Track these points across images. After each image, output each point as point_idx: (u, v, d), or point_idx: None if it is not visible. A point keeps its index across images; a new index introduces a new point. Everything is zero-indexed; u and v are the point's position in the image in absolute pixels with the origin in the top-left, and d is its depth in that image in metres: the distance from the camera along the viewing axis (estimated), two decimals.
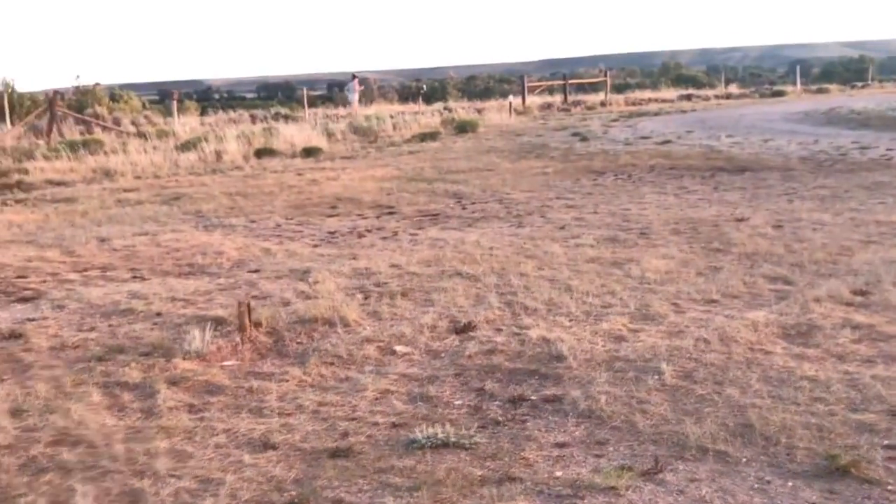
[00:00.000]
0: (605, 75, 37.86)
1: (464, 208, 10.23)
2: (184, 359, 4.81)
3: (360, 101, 32.01)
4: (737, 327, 4.91)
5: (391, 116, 25.55)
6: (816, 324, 4.97)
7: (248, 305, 5.19)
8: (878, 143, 14.84)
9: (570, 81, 37.26)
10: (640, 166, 13.43)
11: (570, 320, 5.26)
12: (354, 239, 8.50)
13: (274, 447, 3.69)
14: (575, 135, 19.22)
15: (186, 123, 25.34)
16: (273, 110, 30.37)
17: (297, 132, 20.01)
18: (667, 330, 4.99)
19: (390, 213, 10.04)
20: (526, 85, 34.59)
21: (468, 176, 13.07)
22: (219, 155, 16.81)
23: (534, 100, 34.41)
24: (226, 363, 4.78)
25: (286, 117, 27.88)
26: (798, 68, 45.53)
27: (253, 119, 28.11)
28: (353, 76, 32.69)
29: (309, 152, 17.15)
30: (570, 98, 34.65)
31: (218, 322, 5.36)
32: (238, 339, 5.08)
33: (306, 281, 6.52)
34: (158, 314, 5.80)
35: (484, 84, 64.94)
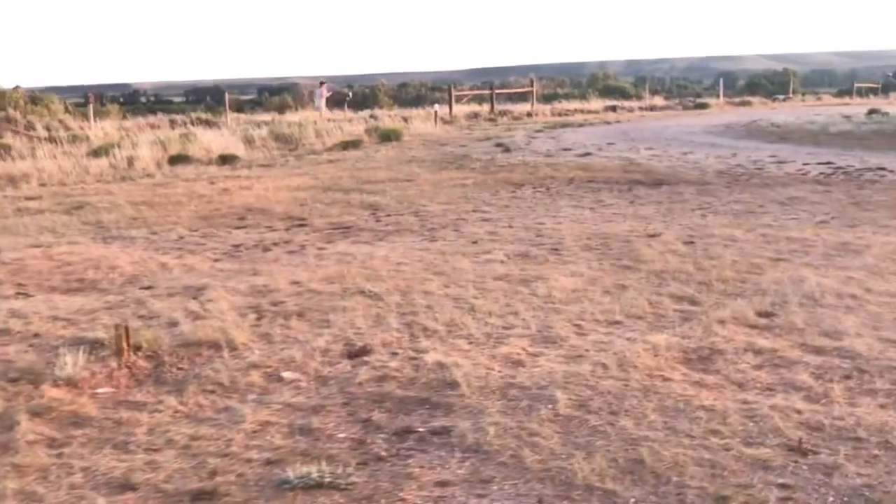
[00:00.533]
0: (532, 85, 37.93)
1: (377, 221, 9.99)
2: (53, 386, 4.48)
3: (327, 106, 31.41)
4: (637, 351, 4.76)
5: (315, 123, 25.19)
6: (718, 348, 4.84)
7: (126, 328, 4.87)
8: (796, 157, 15.01)
9: (498, 91, 37.24)
10: (560, 179, 13.35)
11: (470, 343, 5.06)
12: (259, 253, 8.19)
13: (133, 488, 3.40)
14: (498, 145, 19.13)
15: (104, 128, 24.62)
16: (194, 115, 29.75)
17: (215, 138, 19.55)
18: (566, 354, 4.81)
19: (301, 226, 9.75)
20: (453, 94, 34.45)
21: (386, 186, 12.84)
22: (131, 161, 16.30)
23: (461, 109, 34.33)
24: (98, 391, 4.46)
25: (207, 123, 27.31)
26: (721, 81, 46.36)
27: (173, 124, 27.49)
28: (321, 83, 32.28)
29: (225, 160, 16.75)
30: (498, 108, 34.64)
31: (96, 345, 5.03)
32: (114, 364, 4.76)
33: (199, 299, 6.21)
34: (36, 335, 5.44)
35: (415, 92, 64.87)
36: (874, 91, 45.52)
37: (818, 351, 4.74)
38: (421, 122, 26.98)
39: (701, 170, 13.75)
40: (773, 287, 6.22)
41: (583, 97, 44.51)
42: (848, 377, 4.36)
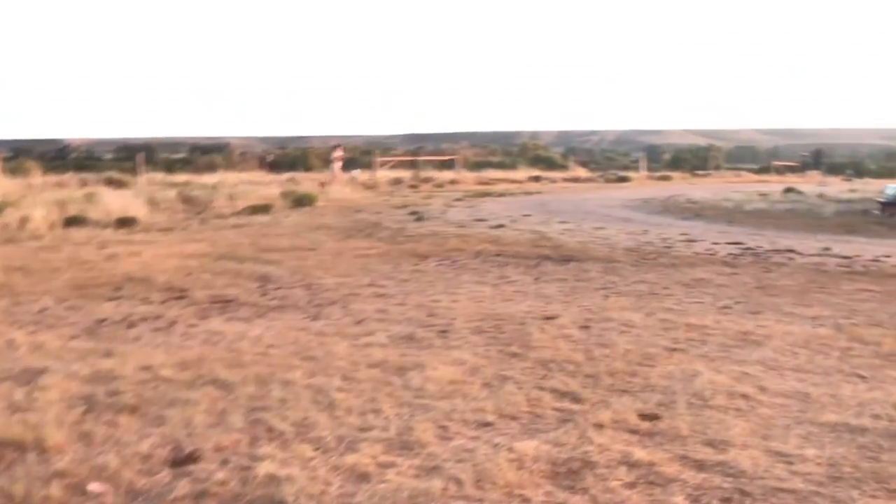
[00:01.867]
0: (457, 153, 37.86)
1: (263, 294, 9.38)
2: None
3: (343, 168, 31.01)
4: (500, 463, 4.23)
5: (231, 185, 24.59)
6: (591, 459, 4.33)
7: None
8: (707, 236, 14.83)
9: (423, 157, 37.08)
10: (467, 251, 12.92)
11: (316, 449, 4.47)
12: (122, 330, 7.52)
13: None
14: (413, 214, 18.73)
15: (3, 186, 23.62)
16: (105, 174, 28.87)
17: (119, 200, 18.81)
18: (421, 465, 4.26)
19: (180, 298, 9.09)
20: (377, 159, 34.18)
21: (285, 256, 12.26)
22: (23, 222, 15.48)
23: (386, 174, 34.04)
24: None
25: (119, 182, 26.45)
26: (643, 155, 46.92)
27: (83, 183, 26.58)
28: (336, 146, 32.11)
29: (124, 222, 16.03)
30: (423, 174, 34.44)
31: None
32: None
33: (30, 386, 5.53)
34: None
35: (349, 154, 64.59)
36: (792, 169, 46.48)
37: (699, 466, 4.26)
38: (340, 187, 26.51)
39: (611, 246, 13.45)
40: (662, 383, 5.77)
41: (512, 166, 44.69)
42: (727, 500, 3.88)
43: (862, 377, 5.98)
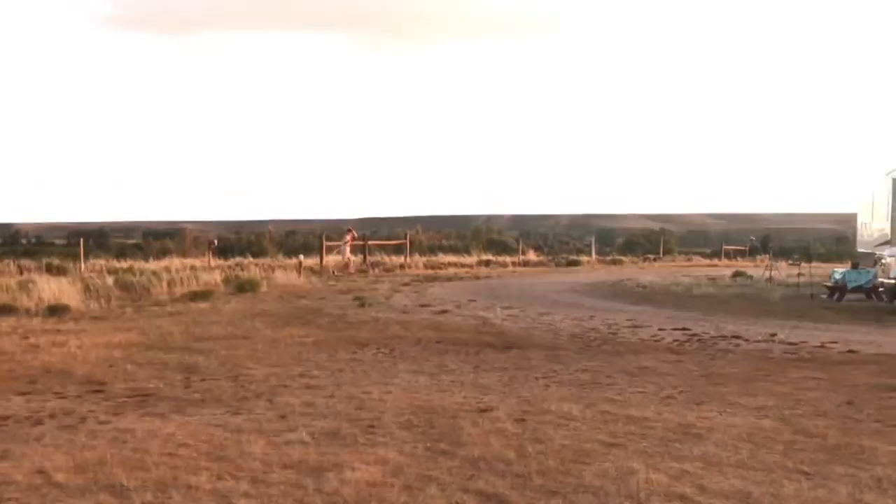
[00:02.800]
0: (407, 237, 37.66)
1: (187, 387, 8.90)
2: None
3: (351, 251, 31.39)
4: None
5: (175, 271, 24.05)
6: None
7: None
8: (653, 321, 14.59)
9: (373, 242, 36.82)
10: (407, 339, 12.54)
11: None
12: (26, 428, 7.00)
13: None
14: (356, 299, 18.35)
15: None
16: (45, 260, 28.20)
17: (54, 287, 18.18)
18: None
19: (97, 392, 8.58)
20: (325, 244, 33.82)
21: (218, 345, 11.78)
22: None
23: (335, 259, 33.64)
24: None
25: (58, 269, 25.79)
26: (594, 239, 47.17)
27: (21, 270, 25.88)
28: (349, 229, 32.41)
29: (55, 311, 15.43)
30: (372, 259, 34.11)
31: None
32: None
33: None
34: None
35: (303, 239, 64.21)
36: (742, 253, 46.92)
37: None
38: (285, 273, 26.07)
39: (555, 333, 13.14)
40: (596, 483, 5.39)
41: (465, 250, 44.59)
42: None
43: (806, 474, 5.67)
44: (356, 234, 33.73)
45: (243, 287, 20.37)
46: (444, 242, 58.43)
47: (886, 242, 19.51)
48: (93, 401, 8.15)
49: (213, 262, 32.23)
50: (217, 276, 22.69)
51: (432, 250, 45.50)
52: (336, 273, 28.90)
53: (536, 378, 9.47)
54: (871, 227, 21.60)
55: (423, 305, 17.07)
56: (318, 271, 28.63)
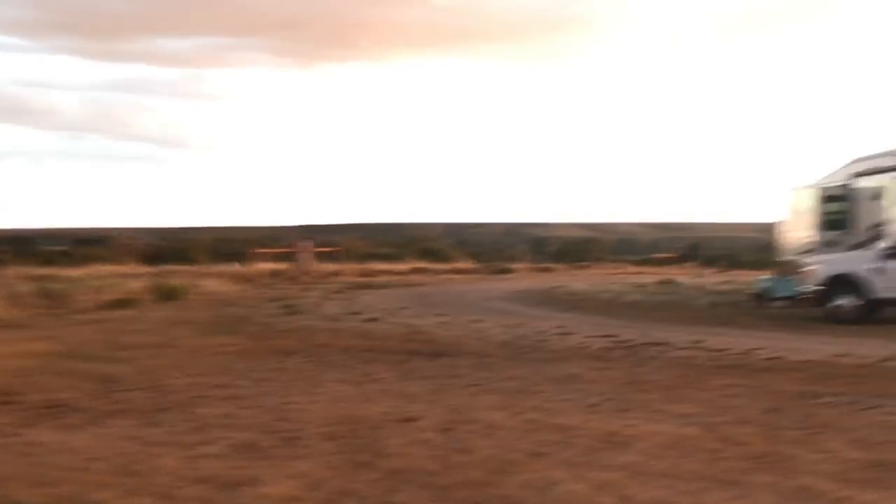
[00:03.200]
0: (341, 245, 37.35)
1: (103, 397, 8.61)
2: None
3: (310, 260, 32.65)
4: None
5: (101, 278, 23.49)
6: None
7: None
8: (581, 328, 14.61)
9: (306, 249, 36.41)
10: (335, 347, 12.36)
11: None
12: None
13: None
14: (286, 307, 18.09)
15: None
16: None
17: None
18: None
19: (6, 403, 8.25)
20: (257, 251, 33.43)
21: (139, 353, 11.48)
22: None
23: (268, 266, 33.25)
24: None
25: None
26: (528, 247, 47.35)
27: None
28: (307, 239, 32.42)
29: None
30: (305, 267, 33.76)
31: None
32: None
33: None
34: None
35: (237, 247, 63.25)
36: (670, 261, 47.53)
37: None
38: (215, 280, 25.65)
39: (485, 340, 13.07)
40: (519, 494, 5.31)
41: (400, 257, 44.39)
42: None
43: (729, 483, 5.64)
44: (312, 244, 33.99)
45: (170, 294, 19.97)
46: (380, 250, 58.20)
47: (810, 250, 19.90)
48: (2, 412, 7.83)
49: (142, 268, 31.59)
50: (144, 284, 22.20)
51: (367, 258, 45.28)
52: (300, 280, 29.18)
53: (464, 386, 9.37)
54: (795, 235, 22.01)
55: (353, 313, 16.89)
56: (250, 279, 28.23)
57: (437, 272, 33.86)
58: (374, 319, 15.66)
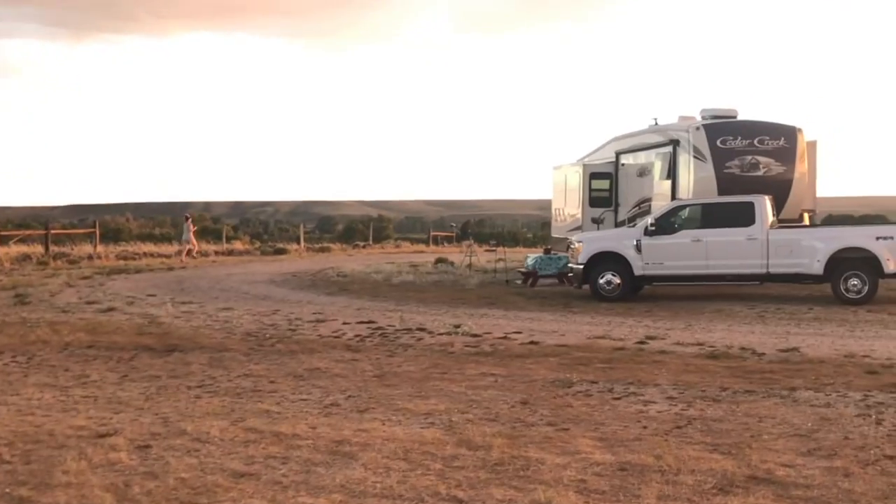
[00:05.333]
0: (96, 227, 34.63)
1: None
2: None
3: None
4: None
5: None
6: None
7: None
8: (341, 314, 13.67)
9: (58, 231, 33.57)
10: (55, 343, 10.84)
11: None
12: None
13: None
14: (18, 296, 16.11)
15: None
16: None
17: None
18: None
19: None
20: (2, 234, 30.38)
21: None
22: None
23: (13, 249, 30.24)
24: None
25: None
26: (302, 226, 46.04)
27: None
28: (187, 217, 31.89)
29: None
30: (56, 249, 30.94)
31: None
32: None
33: None
34: None
35: None
36: (449, 239, 47.49)
37: None
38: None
39: (229, 331, 11.88)
40: None
41: (178, 238, 41.97)
42: None
43: (459, 501, 4.87)
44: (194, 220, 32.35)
45: None
46: (155, 231, 55.07)
47: (578, 228, 19.88)
48: None
49: None
50: None
51: (142, 238, 42.53)
52: (183, 259, 28.71)
53: (189, 388, 8.23)
54: (564, 212, 22.03)
55: (90, 302, 15.20)
56: None
57: (206, 254, 31.97)
58: (112, 309, 14.09)
